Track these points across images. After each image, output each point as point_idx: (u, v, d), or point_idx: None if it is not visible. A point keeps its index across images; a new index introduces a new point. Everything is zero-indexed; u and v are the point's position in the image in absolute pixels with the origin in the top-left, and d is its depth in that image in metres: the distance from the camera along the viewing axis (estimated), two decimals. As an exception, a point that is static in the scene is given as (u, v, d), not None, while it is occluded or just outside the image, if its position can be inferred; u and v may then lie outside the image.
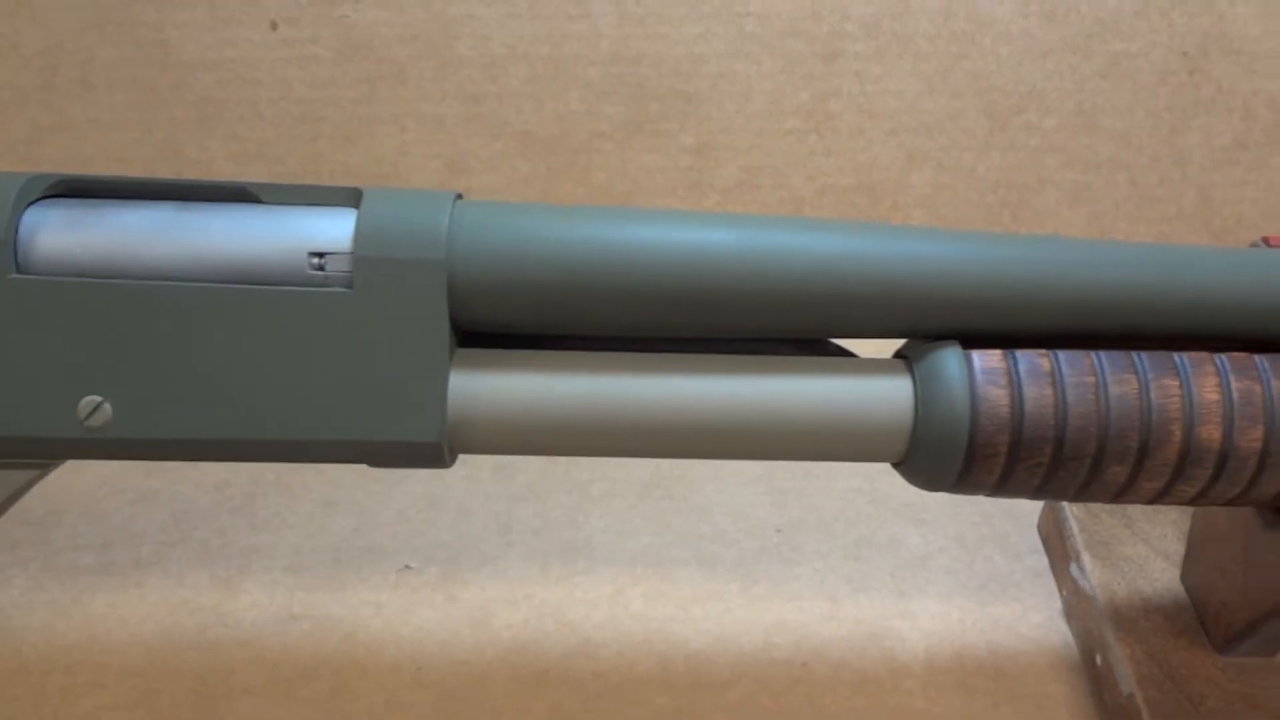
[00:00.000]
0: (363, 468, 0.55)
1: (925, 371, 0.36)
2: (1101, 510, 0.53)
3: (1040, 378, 0.36)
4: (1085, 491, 0.37)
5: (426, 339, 0.33)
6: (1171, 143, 0.70)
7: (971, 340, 0.37)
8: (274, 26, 0.63)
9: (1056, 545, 0.53)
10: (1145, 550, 0.51)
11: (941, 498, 0.56)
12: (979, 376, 0.36)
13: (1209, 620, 0.47)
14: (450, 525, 0.55)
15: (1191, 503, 0.39)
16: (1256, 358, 0.37)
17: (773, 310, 0.35)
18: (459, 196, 0.35)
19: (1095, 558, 0.50)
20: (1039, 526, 0.56)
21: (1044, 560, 0.54)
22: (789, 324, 0.36)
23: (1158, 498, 0.38)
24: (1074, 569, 0.50)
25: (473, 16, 0.64)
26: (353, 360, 0.32)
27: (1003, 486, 0.37)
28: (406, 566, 0.52)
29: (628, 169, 0.68)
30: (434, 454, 0.34)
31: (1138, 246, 0.38)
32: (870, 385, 0.37)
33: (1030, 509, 0.56)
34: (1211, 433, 0.36)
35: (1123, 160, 0.70)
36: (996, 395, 0.36)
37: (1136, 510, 0.53)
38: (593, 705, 0.46)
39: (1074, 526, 0.52)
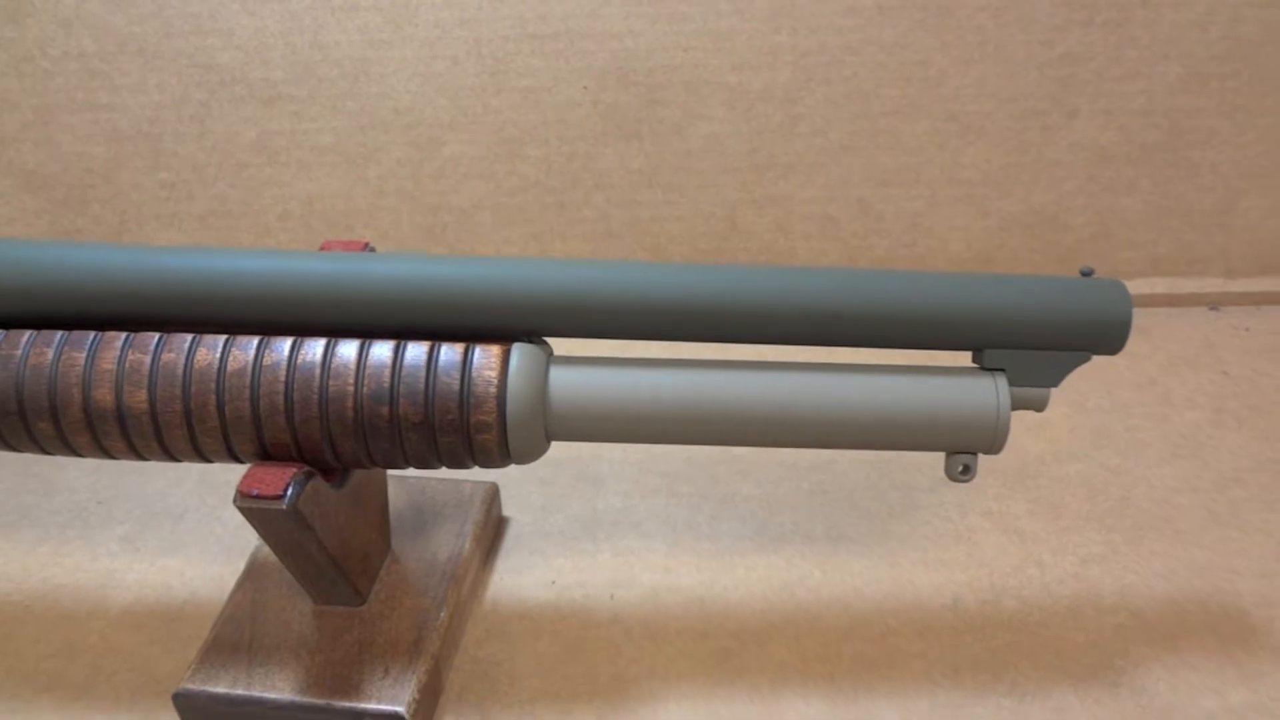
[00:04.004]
0: None
1: None
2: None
3: (-22, 352, 0.45)
4: (37, 444, 0.46)
5: None
6: (590, 168, 0.77)
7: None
8: None
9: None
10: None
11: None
12: None
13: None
14: None
15: (148, 456, 0.47)
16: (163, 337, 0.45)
17: None
18: None
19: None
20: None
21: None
22: None
23: (102, 451, 0.46)
24: (261, 533, 0.57)
25: (-32, 74, 0.76)
26: None
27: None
28: None
29: (116, 201, 0.79)
30: None
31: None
32: None
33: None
34: (105, 395, 0.44)
35: (548, 184, 0.78)
36: None
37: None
38: None
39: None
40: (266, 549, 0.56)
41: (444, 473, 0.60)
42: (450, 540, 0.56)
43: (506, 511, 0.63)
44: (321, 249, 0.51)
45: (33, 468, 0.68)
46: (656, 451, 0.67)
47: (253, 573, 0.55)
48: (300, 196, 0.79)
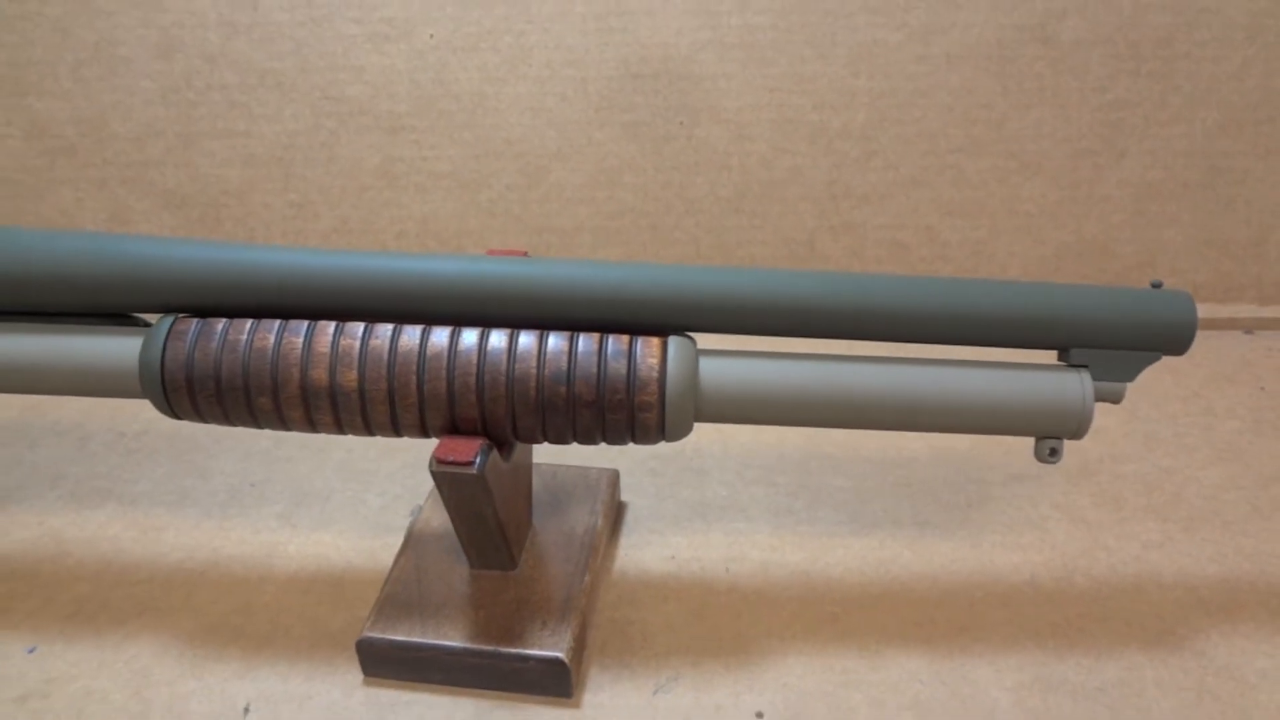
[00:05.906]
0: None
1: (150, 331, 0.53)
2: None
3: (209, 336, 0.52)
4: (254, 417, 0.53)
5: None
6: (682, 195, 0.85)
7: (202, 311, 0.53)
8: (-22, 113, 0.85)
9: (435, 498, 0.68)
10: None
11: (395, 465, 0.72)
12: (171, 335, 0.52)
13: (480, 543, 0.60)
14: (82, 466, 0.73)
15: (348, 430, 0.54)
16: (362, 326, 0.52)
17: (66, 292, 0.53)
18: None
19: (435, 502, 0.65)
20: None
21: (438, 511, 0.69)
22: (84, 301, 0.54)
23: (310, 425, 0.53)
24: (413, 510, 0.64)
25: (120, 103, 0.84)
26: None
27: (202, 413, 0.53)
28: None
29: (247, 220, 0.87)
30: None
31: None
32: (109, 343, 0.54)
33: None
34: (320, 374, 0.51)
35: (642, 209, 0.85)
36: (178, 347, 0.52)
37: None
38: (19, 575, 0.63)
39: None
40: (422, 522, 0.63)
41: (572, 460, 0.67)
42: (585, 517, 0.63)
43: (623, 498, 0.70)
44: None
45: (185, 455, 0.75)
46: (753, 447, 0.74)
47: (411, 542, 0.62)
48: (416, 217, 0.86)
